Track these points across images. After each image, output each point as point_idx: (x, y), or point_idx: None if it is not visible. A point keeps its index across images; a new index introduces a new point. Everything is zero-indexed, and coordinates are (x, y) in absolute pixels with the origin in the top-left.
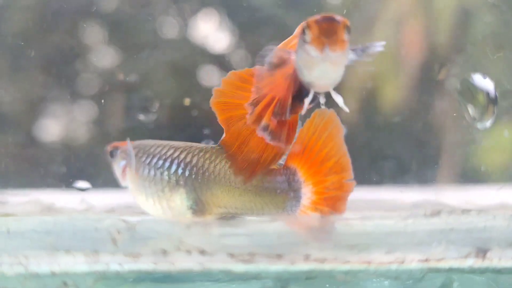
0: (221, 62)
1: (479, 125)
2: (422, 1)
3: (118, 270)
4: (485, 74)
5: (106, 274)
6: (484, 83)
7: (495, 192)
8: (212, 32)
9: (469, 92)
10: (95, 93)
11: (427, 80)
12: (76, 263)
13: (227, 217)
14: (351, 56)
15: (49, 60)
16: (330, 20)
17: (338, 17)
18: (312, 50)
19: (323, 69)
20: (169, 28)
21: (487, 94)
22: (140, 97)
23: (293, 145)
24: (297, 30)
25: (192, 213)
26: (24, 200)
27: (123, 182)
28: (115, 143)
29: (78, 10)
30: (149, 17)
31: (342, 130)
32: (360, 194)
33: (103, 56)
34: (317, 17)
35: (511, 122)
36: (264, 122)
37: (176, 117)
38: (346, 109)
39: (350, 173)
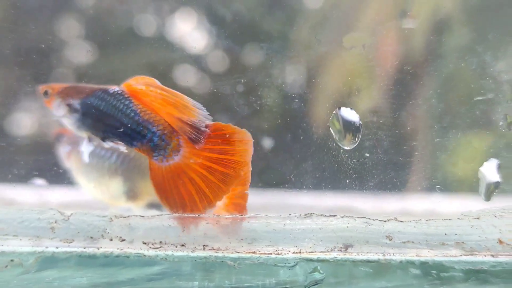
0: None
1: (342, 146)
2: (399, 7)
3: (55, 251)
4: (352, 107)
5: (45, 254)
6: (350, 115)
7: (399, 201)
8: (189, 31)
9: (335, 120)
10: None
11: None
12: (22, 245)
13: (155, 204)
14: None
15: (20, 54)
16: None
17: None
18: None
19: None
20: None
21: (352, 124)
22: None
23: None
24: None
25: (126, 198)
26: None
27: (67, 164)
28: (61, 129)
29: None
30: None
31: (251, 150)
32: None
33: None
34: None
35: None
36: None
37: None
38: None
39: (248, 187)
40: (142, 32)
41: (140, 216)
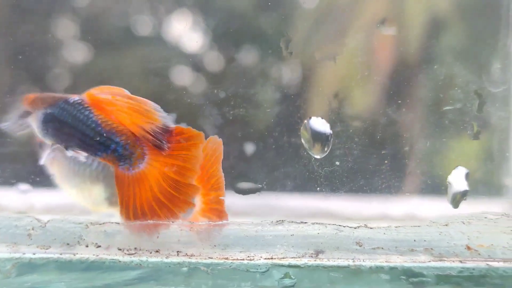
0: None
1: (312, 154)
2: (394, 8)
3: (32, 257)
4: (323, 117)
5: (22, 260)
6: (320, 125)
7: (379, 204)
8: (185, 32)
9: (304, 130)
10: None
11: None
12: None
13: None
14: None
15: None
16: None
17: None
18: None
19: None
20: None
21: (322, 134)
22: None
23: None
24: None
25: (108, 204)
26: None
27: (50, 170)
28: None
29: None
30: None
31: (222, 156)
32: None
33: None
34: None
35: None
36: None
37: None
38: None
39: (223, 192)
40: (137, 32)
41: (116, 223)
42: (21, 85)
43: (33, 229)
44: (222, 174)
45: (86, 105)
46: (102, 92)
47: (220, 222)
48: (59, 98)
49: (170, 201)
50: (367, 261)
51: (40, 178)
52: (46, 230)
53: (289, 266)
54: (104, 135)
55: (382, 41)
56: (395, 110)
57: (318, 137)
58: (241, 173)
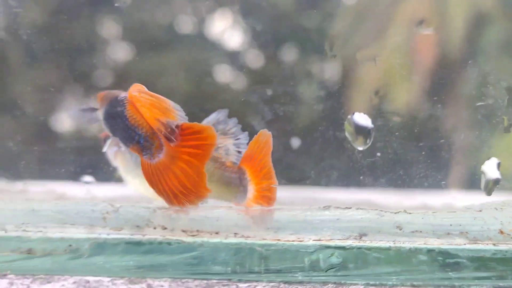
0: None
1: (355, 147)
2: (433, 8)
3: (106, 238)
4: (365, 113)
5: (97, 240)
6: (361, 119)
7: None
8: (225, 30)
9: (348, 124)
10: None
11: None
12: (78, 233)
13: None
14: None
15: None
16: None
17: None
18: None
19: None
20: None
21: (364, 128)
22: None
23: (245, 151)
24: None
25: None
26: (41, 190)
27: (114, 163)
28: (107, 132)
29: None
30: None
31: (271, 148)
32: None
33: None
34: None
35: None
36: None
37: None
38: None
39: (274, 181)
40: (180, 31)
41: (179, 208)
42: (66, 83)
43: (107, 213)
44: (271, 165)
45: (126, 102)
46: (133, 89)
47: (273, 208)
48: (115, 95)
49: (194, 185)
50: (407, 243)
51: (103, 172)
52: (118, 214)
53: (336, 247)
54: (130, 127)
55: (420, 40)
56: (432, 106)
57: (361, 131)
58: (290, 165)
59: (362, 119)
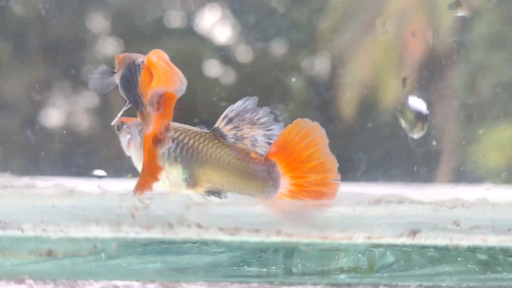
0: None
1: (411, 135)
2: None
3: (135, 238)
4: (420, 96)
5: (126, 240)
6: (417, 103)
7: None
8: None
9: (403, 109)
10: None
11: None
12: (104, 232)
13: (214, 192)
14: None
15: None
16: None
17: None
18: None
19: None
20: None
21: (419, 113)
22: None
23: (273, 143)
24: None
25: (186, 185)
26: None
27: (127, 152)
28: (122, 119)
29: None
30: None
31: (325, 140)
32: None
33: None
34: None
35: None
36: None
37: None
38: None
39: (334, 174)
40: (169, 25)
41: (217, 203)
42: (55, 79)
43: (136, 209)
44: (330, 157)
45: (143, 67)
46: (152, 55)
47: (319, 203)
48: (133, 59)
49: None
50: (464, 241)
51: (115, 167)
52: (149, 211)
53: (387, 245)
54: (138, 95)
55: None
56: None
57: (419, 117)
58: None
59: (418, 103)
